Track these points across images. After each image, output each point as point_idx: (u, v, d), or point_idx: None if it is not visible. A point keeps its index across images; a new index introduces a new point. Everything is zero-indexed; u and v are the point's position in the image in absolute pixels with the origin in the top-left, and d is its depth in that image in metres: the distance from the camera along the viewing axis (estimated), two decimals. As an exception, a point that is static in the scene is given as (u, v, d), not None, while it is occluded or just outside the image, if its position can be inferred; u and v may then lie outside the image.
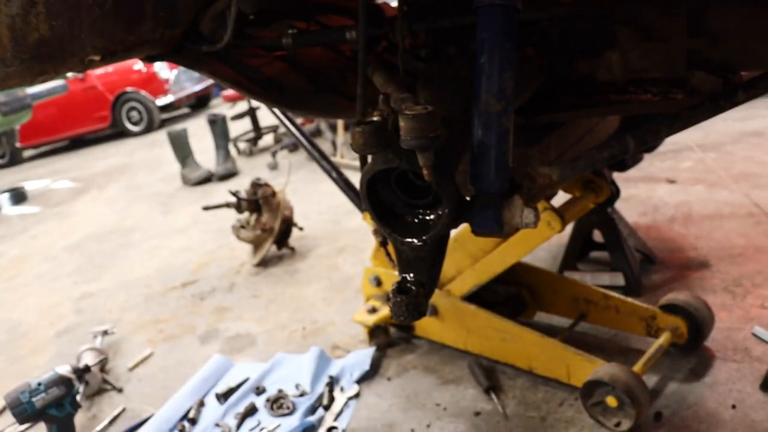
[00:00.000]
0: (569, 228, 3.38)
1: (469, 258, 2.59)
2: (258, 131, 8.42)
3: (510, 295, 2.82)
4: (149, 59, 2.07)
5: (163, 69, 12.20)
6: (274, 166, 7.24)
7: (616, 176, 3.21)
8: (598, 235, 3.33)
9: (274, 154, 7.38)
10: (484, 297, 2.70)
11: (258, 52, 2.27)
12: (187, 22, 1.89)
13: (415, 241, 1.52)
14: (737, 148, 4.87)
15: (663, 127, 1.71)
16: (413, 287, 1.50)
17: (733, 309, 2.85)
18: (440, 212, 1.49)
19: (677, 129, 1.73)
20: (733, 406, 2.30)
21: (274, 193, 4.46)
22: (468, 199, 1.53)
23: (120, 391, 3.24)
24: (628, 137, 1.72)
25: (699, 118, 1.70)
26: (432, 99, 1.75)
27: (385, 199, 1.59)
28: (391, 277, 2.91)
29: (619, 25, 1.87)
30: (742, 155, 4.72)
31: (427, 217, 1.54)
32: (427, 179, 1.41)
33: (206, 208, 4.67)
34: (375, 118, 1.49)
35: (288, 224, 4.47)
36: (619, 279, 3.13)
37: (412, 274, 1.55)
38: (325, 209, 5.39)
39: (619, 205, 3.38)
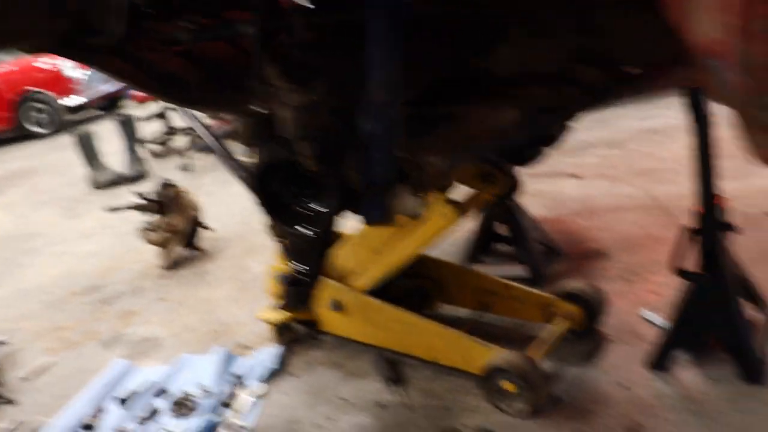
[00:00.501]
0: (475, 222, 3.46)
1: (371, 252, 2.60)
2: (170, 133, 8.21)
3: (414, 288, 2.85)
4: (35, 52, 1.98)
5: (70, 68, 11.70)
6: (186, 168, 7.07)
7: (525, 172, 3.28)
8: (505, 230, 3.41)
9: (186, 156, 7.22)
10: (389, 291, 2.72)
11: (157, 48, 2.22)
12: (74, 13, 1.82)
13: (304, 230, 1.53)
14: (638, 145, 5.08)
15: (552, 118, 1.77)
16: (302, 277, 1.51)
17: (628, 295, 2.98)
18: (327, 202, 1.50)
19: (565, 120, 1.79)
20: (624, 386, 2.41)
21: (180, 194, 4.36)
22: (357, 188, 1.54)
23: (12, 402, 3.09)
24: (515, 128, 1.77)
25: (586, 110, 1.76)
26: (326, 91, 1.75)
27: (276, 191, 1.59)
28: (297, 273, 2.89)
29: (511, 22, 1.92)
30: (642, 152, 4.93)
31: (315, 208, 1.54)
32: (311, 170, 1.41)
33: (111, 210, 4.53)
34: (262, 112, 1.49)
35: (195, 224, 4.39)
36: (522, 271, 3.21)
37: (301, 265, 1.55)
38: (238, 211, 5.29)
39: (526, 200, 3.48)
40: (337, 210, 1.48)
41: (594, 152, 5.05)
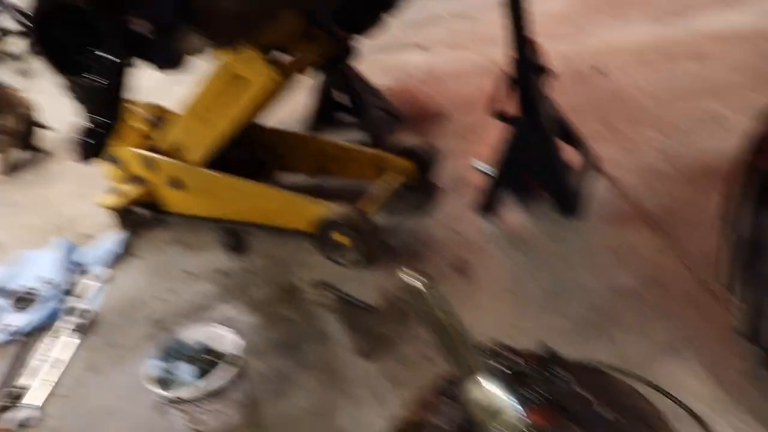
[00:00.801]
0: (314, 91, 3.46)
1: (200, 124, 2.55)
2: (2, 36, 7.49)
3: (250, 158, 2.85)
4: None
5: None
6: (23, 73, 6.54)
7: (371, 45, 3.26)
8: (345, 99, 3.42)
9: (23, 60, 6.66)
10: (225, 163, 2.70)
11: None
12: None
13: (91, 77, 1.48)
14: (485, 14, 5.11)
15: None
16: (95, 126, 1.47)
17: (464, 151, 3.10)
18: (110, 48, 1.45)
19: None
20: (455, 231, 2.56)
21: (8, 93, 4.06)
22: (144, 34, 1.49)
23: None
24: None
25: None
26: None
27: (62, 41, 1.51)
28: (129, 154, 2.78)
29: None
30: (489, 21, 4.97)
31: (102, 55, 1.49)
32: (86, 12, 1.35)
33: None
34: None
35: (30, 124, 4.12)
36: (363, 137, 3.26)
37: (94, 115, 1.51)
38: (82, 109, 5.02)
39: (370, 70, 3.48)
40: (123, 55, 1.43)
41: (441, 23, 5.08)
